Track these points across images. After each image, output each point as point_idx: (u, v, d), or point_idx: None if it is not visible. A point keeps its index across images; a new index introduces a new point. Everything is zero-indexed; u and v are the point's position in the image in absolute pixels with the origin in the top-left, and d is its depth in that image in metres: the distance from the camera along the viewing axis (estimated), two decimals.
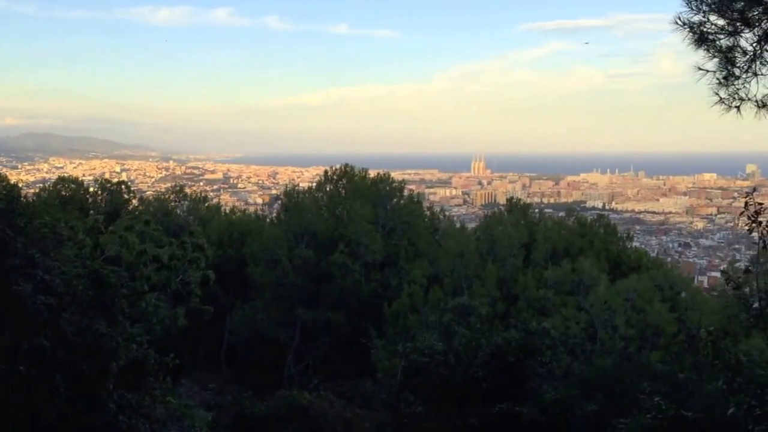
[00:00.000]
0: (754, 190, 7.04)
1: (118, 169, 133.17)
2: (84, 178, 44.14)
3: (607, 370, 16.91)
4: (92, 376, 9.27)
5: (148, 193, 53.17)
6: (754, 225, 6.54)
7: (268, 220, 33.65)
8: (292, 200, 30.11)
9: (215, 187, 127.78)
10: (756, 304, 6.68)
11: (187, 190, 35.09)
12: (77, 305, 9.71)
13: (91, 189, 32.85)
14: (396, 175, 43.07)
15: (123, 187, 32.23)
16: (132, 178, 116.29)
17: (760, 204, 6.67)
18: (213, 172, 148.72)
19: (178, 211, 31.57)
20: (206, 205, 34.40)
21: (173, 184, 39.14)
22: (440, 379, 14.91)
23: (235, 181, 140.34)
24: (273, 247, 27.93)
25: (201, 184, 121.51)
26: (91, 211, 28.02)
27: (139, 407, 9.96)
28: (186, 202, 32.55)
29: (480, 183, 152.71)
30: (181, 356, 18.90)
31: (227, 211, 35.47)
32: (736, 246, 79.38)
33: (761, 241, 6.66)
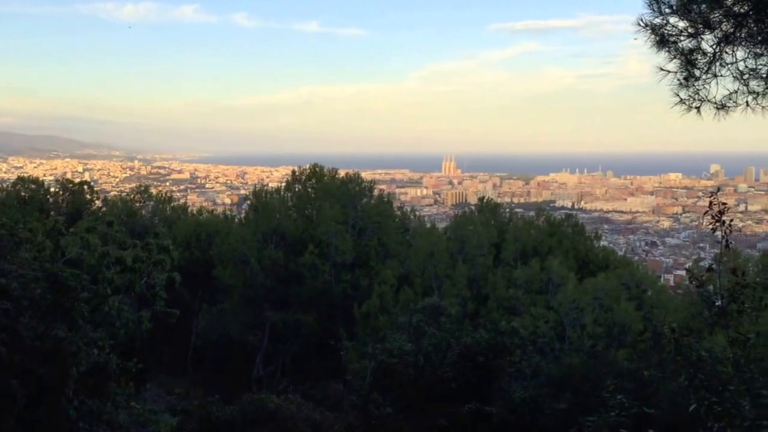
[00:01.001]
0: (718, 189, 7.12)
1: (80, 169, 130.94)
2: (45, 178, 43.34)
3: (575, 369, 17.00)
4: (51, 382, 9.06)
5: (112, 193, 52.40)
6: (717, 224, 6.62)
7: (236, 220, 33.29)
8: (261, 200, 29.83)
9: (182, 187, 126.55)
10: (719, 302, 6.74)
11: (153, 191, 34.54)
12: (35, 309, 9.48)
13: (52, 189, 32.14)
14: (366, 175, 43.05)
15: (85, 187, 31.61)
16: (95, 178, 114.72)
17: (724, 204, 6.75)
18: (180, 171, 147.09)
19: (143, 212, 31.08)
20: (172, 205, 33.88)
21: (138, 184, 38.46)
22: (410, 380, 14.89)
23: (202, 181, 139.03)
24: (241, 248, 27.64)
25: (167, 184, 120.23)
26: (52, 213, 27.46)
27: (101, 413, 9.76)
28: (151, 203, 32.05)
29: (451, 183, 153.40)
30: (147, 360, 18.61)
31: (194, 212, 35.02)
32: (701, 244, 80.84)
33: (724, 240, 6.72)
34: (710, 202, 6.52)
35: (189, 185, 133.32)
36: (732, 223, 6.82)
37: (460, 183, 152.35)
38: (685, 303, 23.32)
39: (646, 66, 7.74)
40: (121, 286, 13.72)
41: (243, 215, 33.52)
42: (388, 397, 14.27)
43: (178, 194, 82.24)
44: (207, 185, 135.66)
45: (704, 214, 6.72)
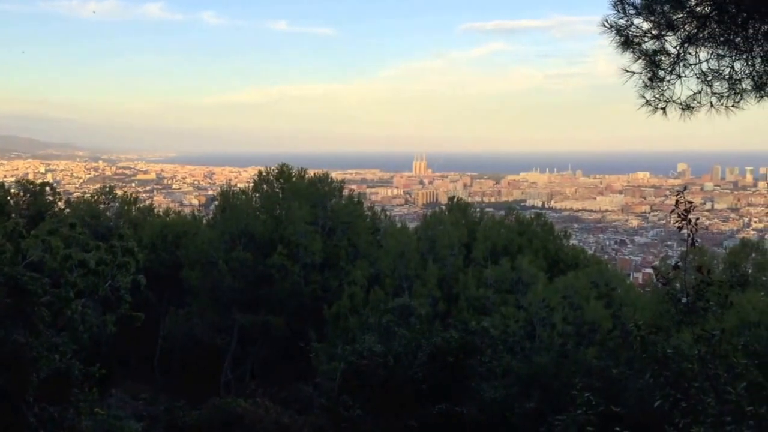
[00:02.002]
0: (685, 188, 7.18)
1: (42, 169, 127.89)
2: (5, 179, 42.42)
3: (545, 368, 17.06)
4: (10, 389, 8.83)
5: (75, 194, 51.38)
6: (683, 222, 6.67)
7: (204, 221, 32.88)
8: (228, 201, 29.50)
9: (148, 187, 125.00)
10: (685, 299, 6.80)
11: (118, 192, 33.86)
12: None
13: (13, 191, 31.33)
14: (337, 174, 42.84)
15: (48, 188, 30.92)
16: (58, 179, 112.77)
17: (690, 202, 6.80)
18: (146, 172, 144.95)
19: (108, 214, 30.52)
20: (138, 206, 33.35)
21: (103, 185, 37.73)
22: (379, 382, 14.82)
23: (169, 182, 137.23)
24: (209, 250, 27.30)
25: (133, 185, 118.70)
26: (12, 215, 26.75)
27: (63, 420, 9.54)
28: (116, 204, 31.47)
29: (422, 182, 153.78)
30: (112, 365, 18.32)
31: (160, 213, 34.51)
32: (669, 242, 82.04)
33: (690, 238, 6.78)
34: (677, 201, 6.57)
35: (155, 186, 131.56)
36: (698, 221, 6.88)
37: (431, 183, 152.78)
38: (653, 301, 23.58)
39: (614, 66, 7.78)
40: (84, 289, 13.41)
41: (210, 216, 33.15)
42: (358, 399, 14.19)
43: (144, 195, 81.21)
44: (174, 186, 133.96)
45: (671, 212, 6.76)
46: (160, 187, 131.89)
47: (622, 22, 7.54)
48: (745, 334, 15.96)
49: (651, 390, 6.87)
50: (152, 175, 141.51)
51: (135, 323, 15.19)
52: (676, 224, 6.62)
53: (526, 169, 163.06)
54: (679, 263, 6.86)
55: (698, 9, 7.43)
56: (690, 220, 6.55)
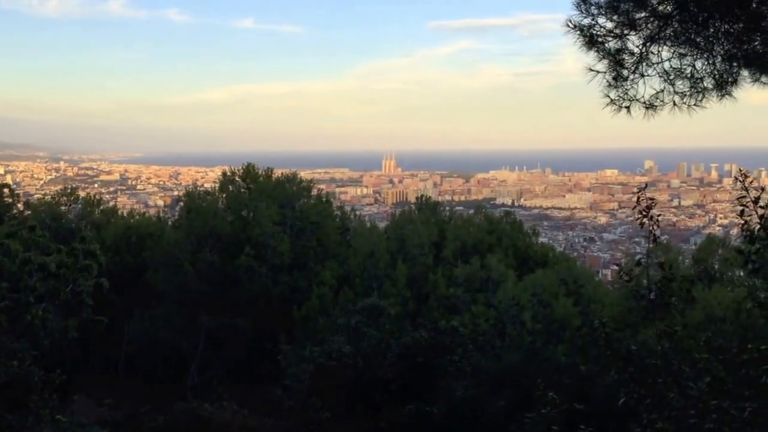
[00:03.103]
0: (646, 186, 7.24)
1: (1, 170, 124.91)
2: None
3: (514, 366, 17.13)
4: None
5: (35, 196, 50.41)
6: (645, 219, 6.72)
7: (169, 223, 32.43)
8: (194, 202, 29.11)
9: (112, 189, 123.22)
10: (652, 295, 6.85)
11: (80, 193, 33.20)
12: None
13: None
14: (305, 174, 42.62)
15: (6, 190, 30.12)
16: (18, 180, 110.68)
17: (651, 199, 6.86)
18: (109, 173, 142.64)
19: (70, 216, 29.95)
20: (101, 208, 32.79)
21: (64, 186, 37.00)
22: (348, 383, 14.76)
23: (133, 183, 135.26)
24: (174, 252, 26.87)
25: (96, 186, 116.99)
26: None
27: (22, 428, 9.31)
28: (78, 206, 30.89)
29: (391, 181, 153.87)
30: (75, 371, 17.99)
31: (124, 215, 33.98)
32: (636, 239, 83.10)
33: (652, 235, 6.83)
34: (638, 198, 6.62)
35: (119, 187, 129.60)
36: (659, 217, 6.95)
37: (400, 182, 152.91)
38: (621, 297, 23.81)
39: (581, 64, 7.82)
40: (44, 293, 13.14)
41: (176, 217, 32.72)
42: (327, 401, 14.10)
43: (107, 196, 79.83)
44: (138, 186, 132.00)
45: (633, 209, 6.82)
46: (124, 188, 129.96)
47: (585, 21, 7.56)
48: (711, 329, 16.21)
49: (617, 386, 6.91)
50: (116, 176, 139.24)
51: (98, 328, 14.95)
52: (638, 221, 6.67)
53: (496, 167, 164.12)
54: (642, 260, 6.91)
55: (660, 8, 7.48)
56: (651, 217, 6.60)
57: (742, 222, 6.11)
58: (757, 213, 6.00)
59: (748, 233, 6.11)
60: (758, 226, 6.02)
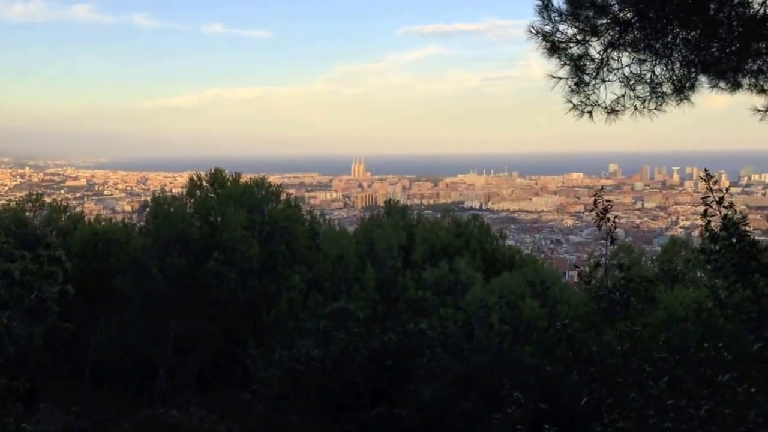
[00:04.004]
0: (602, 188, 7.39)
1: None
2: None
3: (482, 367, 17.30)
4: None
5: (0, 202, 49.45)
6: (602, 221, 6.86)
7: (137, 228, 32.09)
8: (161, 207, 28.84)
9: (78, 194, 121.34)
10: (612, 296, 6.98)
11: (46, 199, 32.68)
12: None
13: None
14: (275, 179, 42.53)
15: None
16: None
17: (608, 201, 6.99)
18: (76, 178, 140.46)
19: (36, 222, 29.47)
20: (68, 214, 32.31)
21: (29, 192, 36.42)
22: (317, 387, 14.77)
23: (100, 188, 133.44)
24: (142, 257, 26.64)
25: (62, 191, 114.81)
26: None
27: None
28: (44, 212, 30.43)
29: (360, 186, 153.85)
30: (40, 378, 17.73)
31: (91, 221, 33.53)
32: (602, 241, 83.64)
33: (610, 236, 6.98)
34: (595, 201, 6.75)
35: (86, 192, 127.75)
36: (623, 220, 7.10)
37: (369, 186, 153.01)
38: (587, 298, 24.12)
39: (546, 69, 7.94)
40: (8, 300, 12.96)
41: (143, 223, 32.37)
42: (296, 405, 14.11)
43: (74, 202, 78.71)
44: (105, 192, 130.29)
45: (590, 211, 6.97)
46: (91, 193, 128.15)
47: (547, 28, 7.69)
48: (673, 329, 16.54)
49: (581, 386, 7.04)
50: (82, 182, 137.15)
51: (64, 334, 14.77)
52: (596, 223, 6.81)
53: (464, 171, 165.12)
54: (600, 262, 7.06)
55: (621, 15, 7.64)
56: (608, 219, 6.74)
57: (705, 222, 6.26)
58: (720, 213, 6.15)
59: (710, 233, 6.25)
60: (720, 226, 6.17)
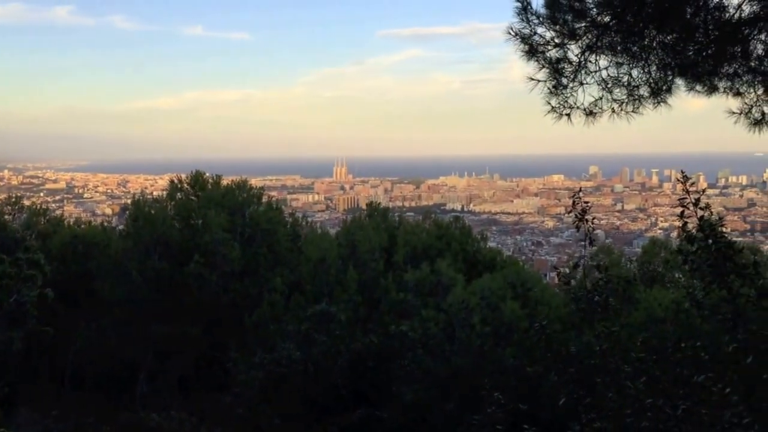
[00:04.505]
0: (580, 189, 7.44)
1: None
2: None
3: (463, 369, 17.35)
4: None
5: None
6: (581, 222, 6.91)
7: (117, 231, 31.87)
8: (141, 210, 28.66)
9: (58, 197, 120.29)
10: (597, 298, 7.03)
11: (26, 202, 32.49)
12: None
13: None
14: (256, 181, 42.42)
15: None
16: None
17: (587, 202, 7.05)
18: (55, 181, 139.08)
19: (15, 225, 29.18)
20: (47, 217, 32.05)
21: (8, 195, 36.07)
22: (299, 389, 14.76)
23: (80, 191, 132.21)
24: (122, 261, 26.47)
25: (41, 194, 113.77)
26: None
27: None
28: (23, 215, 30.15)
29: (342, 188, 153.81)
30: (20, 382, 17.54)
31: (71, 224, 33.25)
32: (582, 242, 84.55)
33: (588, 237, 7.04)
34: (573, 202, 6.80)
35: (66, 195, 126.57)
36: (603, 221, 7.16)
37: (351, 188, 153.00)
38: (567, 299, 24.29)
39: (526, 72, 8.00)
40: None
41: (124, 226, 32.16)
42: (277, 408, 14.08)
43: (53, 205, 78.03)
44: (85, 195, 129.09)
45: (568, 212, 7.02)
46: (70, 196, 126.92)
47: (526, 30, 7.75)
48: (652, 329, 16.70)
49: (560, 387, 7.10)
50: (62, 185, 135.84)
51: (44, 338, 14.63)
52: (575, 224, 6.86)
53: (446, 173, 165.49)
54: (579, 263, 7.11)
55: (599, 19, 7.71)
56: (587, 220, 6.80)
57: (682, 223, 6.32)
58: (696, 214, 6.22)
59: (687, 234, 6.32)
60: (697, 227, 6.24)
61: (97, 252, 27.80)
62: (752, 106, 7.97)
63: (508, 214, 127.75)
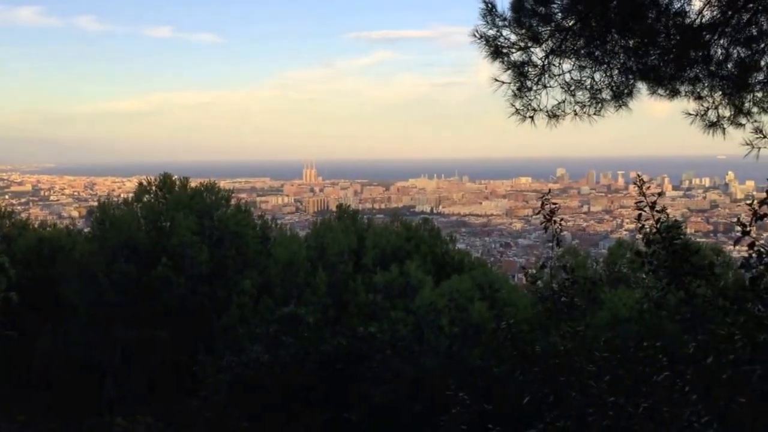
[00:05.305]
0: (548, 192, 7.52)
1: None
2: None
3: (432, 370, 17.42)
4: None
5: None
6: (548, 223, 7.00)
7: (83, 234, 31.41)
8: (107, 213, 28.30)
9: (23, 200, 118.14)
10: (564, 298, 7.11)
11: None
12: None
13: None
14: (225, 184, 41.99)
15: None
16: None
17: (554, 203, 7.13)
18: (20, 183, 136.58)
19: None
20: (12, 220, 31.49)
21: None
22: (267, 392, 14.70)
23: (46, 194, 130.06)
24: (88, 264, 26.11)
25: (6, 197, 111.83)
26: None
27: None
28: None
29: (312, 190, 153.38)
30: None
31: (36, 227, 32.72)
32: (550, 244, 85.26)
33: (555, 238, 7.13)
34: (542, 203, 6.88)
35: (31, 198, 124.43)
36: (570, 223, 7.26)
37: (321, 190, 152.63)
38: (535, 300, 24.45)
39: (493, 75, 8.06)
40: None
41: (90, 228, 31.72)
42: (245, 411, 14.01)
43: (19, 208, 76.50)
44: (52, 197, 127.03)
45: (536, 213, 7.11)
46: (36, 199, 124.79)
47: (491, 33, 7.82)
48: (617, 329, 16.94)
49: (523, 386, 7.18)
50: (28, 187, 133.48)
51: (8, 342, 14.35)
52: (542, 225, 6.94)
53: (415, 175, 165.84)
54: (546, 264, 7.20)
55: (564, 23, 7.82)
56: (555, 221, 6.89)
57: (639, 226, 6.43)
58: (653, 217, 6.32)
59: (644, 237, 6.43)
60: (654, 229, 6.35)
61: (62, 255, 27.40)
62: (708, 109, 8.15)
63: (477, 216, 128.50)
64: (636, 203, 6.38)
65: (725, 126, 8.22)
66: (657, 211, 6.20)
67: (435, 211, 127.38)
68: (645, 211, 6.32)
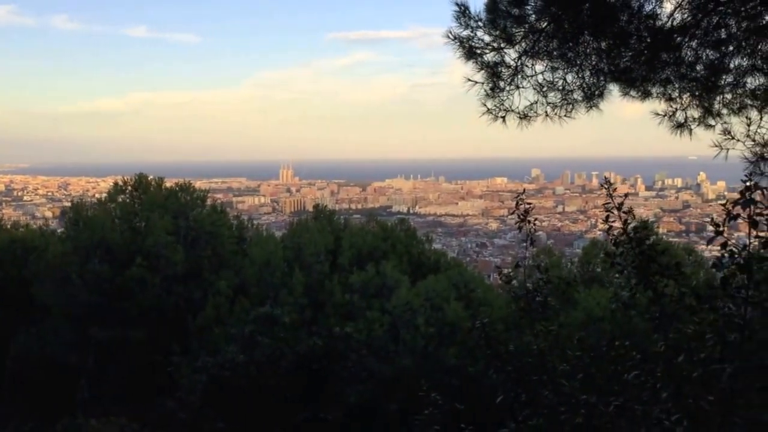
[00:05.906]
0: (524, 191, 7.53)
1: None
2: None
3: (407, 369, 17.47)
4: None
5: None
6: (523, 223, 7.03)
7: (57, 234, 31.04)
8: (81, 213, 27.98)
9: None
10: (539, 297, 7.17)
11: None
12: None
13: None
14: (202, 184, 41.81)
15: None
16: None
17: (529, 203, 7.16)
18: None
19: None
20: None
21: None
22: (242, 392, 14.65)
23: (19, 194, 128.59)
24: (61, 264, 25.78)
25: None
26: None
27: None
28: None
29: (289, 190, 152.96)
30: None
31: (9, 227, 32.27)
32: (525, 243, 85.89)
33: (530, 238, 7.17)
34: (517, 203, 6.91)
35: (4, 198, 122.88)
36: (544, 223, 7.32)
37: (298, 190, 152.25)
38: (509, 300, 24.62)
39: (467, 75, 8.09)
40: None
41: (63, 228, 31.35)
42: (221, 412, 13.95)
43: None
44: (25, 198, 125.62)
45: (511, 213, 7.18)
46: (9, 199, 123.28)
47: (465, 33, 7.87)
48: (590, 328, 17.12)
49: (499, 385, 7.23)
50: (1, 187, 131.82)
51: None
52: (517, 225, 6.97)
53: (392, 176, 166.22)
54: (520, 263, 7.24)
55: (537, 24, 7.88)
56: (529, 221, 6.93)
57: (607, 227, 6.50)
58: (620, 218, 6.39)
59: (613, 238, 6.50)
60: (621, 231, 6.42)
61: (35, 255, 27.06)
62: (676, 110, 8.26)
63: (453, 216, 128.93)
64: (604, 204, 6.44)
65: (692, 127, 8.35)
66: (624, 213, 6.27)
67: (411, 212, 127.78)
68: (613, 213, 6.39)
